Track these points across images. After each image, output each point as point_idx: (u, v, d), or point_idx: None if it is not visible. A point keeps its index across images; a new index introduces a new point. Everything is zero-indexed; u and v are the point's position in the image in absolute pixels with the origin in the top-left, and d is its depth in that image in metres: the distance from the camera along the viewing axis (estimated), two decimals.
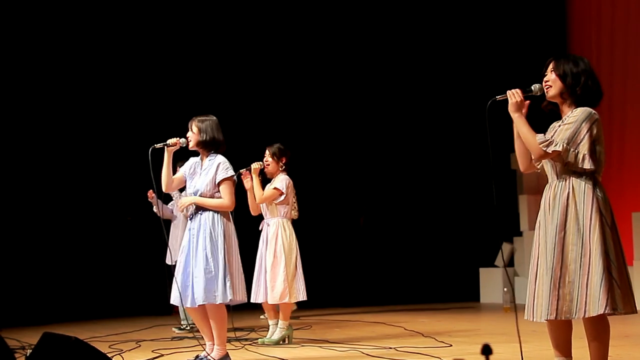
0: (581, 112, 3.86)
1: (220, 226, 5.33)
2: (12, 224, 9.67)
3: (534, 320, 3.90)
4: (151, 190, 7.93)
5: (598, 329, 3.84)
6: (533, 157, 3.98)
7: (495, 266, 11.42)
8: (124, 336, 7.51)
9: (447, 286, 11.85)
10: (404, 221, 12.33)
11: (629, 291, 3.82)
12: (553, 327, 3.98)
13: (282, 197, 6.77)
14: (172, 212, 8.30)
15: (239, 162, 6.64)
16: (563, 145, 3.81)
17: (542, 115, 4.18)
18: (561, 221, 3.84)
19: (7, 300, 9.19)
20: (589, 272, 3.75)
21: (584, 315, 3.75)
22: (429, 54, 12.31)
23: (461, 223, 12.12)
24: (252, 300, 6.85)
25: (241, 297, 5.37)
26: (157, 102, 10.72)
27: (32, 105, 10.05)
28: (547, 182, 4.04)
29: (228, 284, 5.23)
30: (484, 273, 11.55)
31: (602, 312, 3.71)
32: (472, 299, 11.50)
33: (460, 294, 11.59)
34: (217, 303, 5.23)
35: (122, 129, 10.53)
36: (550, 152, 3.84)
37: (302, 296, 6.75)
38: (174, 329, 7.99)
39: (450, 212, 12.21)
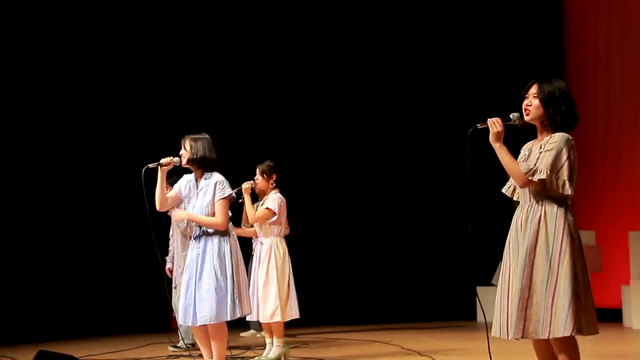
0: (560, 137, 3.94)
1: (227, 244, 5.39)
2: (8, 241, 9.64)
3: (508, 338, 3.97)
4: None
5: (563, 344, 3.93)
6: (517, 185, 4.07)
7: (492, 284, 11.38)
8: (119, 354, 7.48)
9: (444, 304, 11.82)
10: (401, 239, 12.31)
11: (593, 313, 3.94)
12: (537, 346, 4.09)
13: (275, 218, 6.75)
14: None
15: (233, 180, 6.62)
16: (547, 172, 3.89)
17: (516, 135, 4.22)
18: (531, 244, 3.94)
19: (3, 317, 9.15)
20: (554, 294, 3.85)
21: (549, 336, 3.86)
22: (425, 71, 12.34)
23: (458, 241, 12.09)
24: (246, 318, 6.83)
25: (247, 310, 5.47)
26: (152, 121, 10.73)
27: (28, 124, 10.03)
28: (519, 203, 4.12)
29: (237, 301, 5.30)
30: (481, 291, 11.51)
31: (567, 335, 3.82)
32: (469, 317, 11.46)
33: (457, 313, 11.55)
34: (225, 320, 5.30)
35: (117, 147, 10.52)
36: (535, 180, 3.92)
37: (295, 314, 6.70)
38: (169, 347, 7.95)
39: (447, 231, 12.18)
